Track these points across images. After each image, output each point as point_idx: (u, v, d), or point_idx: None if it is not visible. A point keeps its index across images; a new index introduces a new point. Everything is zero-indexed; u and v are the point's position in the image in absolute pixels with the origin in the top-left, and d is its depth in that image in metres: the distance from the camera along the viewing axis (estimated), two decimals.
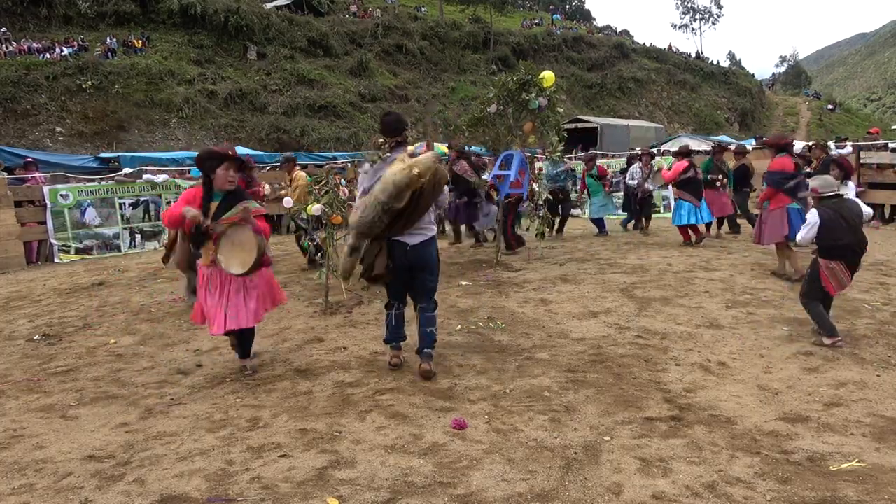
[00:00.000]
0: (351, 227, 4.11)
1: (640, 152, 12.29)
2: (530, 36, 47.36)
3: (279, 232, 13.09)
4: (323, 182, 6.28)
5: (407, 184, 3.79)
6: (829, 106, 63.57)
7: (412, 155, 4.11)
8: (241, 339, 4.56)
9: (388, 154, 4.22)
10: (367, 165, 4.35)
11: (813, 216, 4.96)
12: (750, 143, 18.56)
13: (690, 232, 9.51)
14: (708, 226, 10.04)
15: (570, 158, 13.58)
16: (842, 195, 5.14)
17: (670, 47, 60.61)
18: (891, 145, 13.07)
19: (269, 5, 36.42)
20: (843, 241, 4.84)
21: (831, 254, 4.87)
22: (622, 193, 12.24)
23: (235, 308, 4.25)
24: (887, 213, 12.04)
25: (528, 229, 9.51)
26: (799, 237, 5.14)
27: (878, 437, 3.32)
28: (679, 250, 9.06)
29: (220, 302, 4.25)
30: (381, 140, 4.31)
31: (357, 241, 4.04)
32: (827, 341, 4.77)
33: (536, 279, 7.45)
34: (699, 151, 16.40)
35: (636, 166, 11.31)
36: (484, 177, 9.18)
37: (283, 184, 9.20)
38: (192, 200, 4.23)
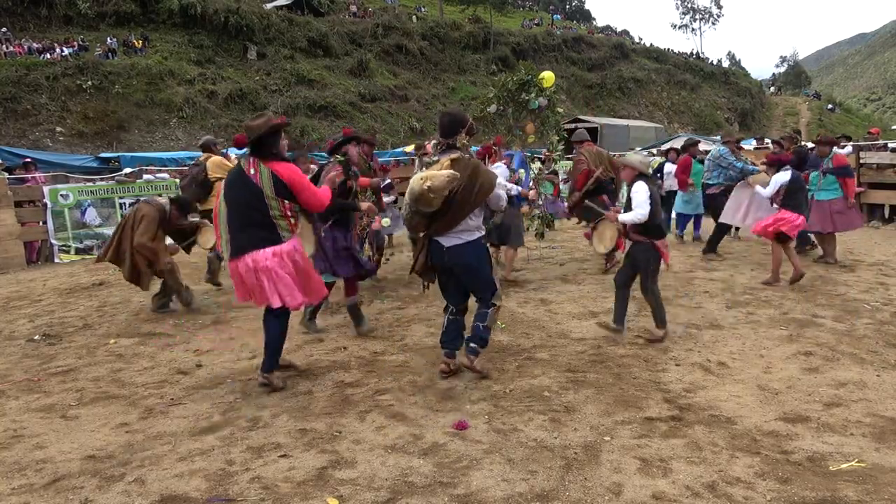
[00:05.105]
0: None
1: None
2: (530, 36, 47.38)
3: None
4: None
5: (420, 194, 3.86)
6: (829, 106, 63.65)
7: (456, 159, 4.08)
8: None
9: (437, 157, 4.23)
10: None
11: (645, 190, 4.78)
12: (750, 144, 18.55)
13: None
14: None
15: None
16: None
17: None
18: (891, 145, 13.04)
19: (269, 5, 36.43)
20: (661, 218, 5.00)
21: (658, 232, 4.90)
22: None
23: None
24: (887, 213, 12.03)
25: (528, 229, 9.47)
26: (638, 216, 4.83)
27: (878, 437, 3.32)
28: (679, 250, 9.07)
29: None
30: (436, 141, 4.40)
31: (412, 233, 4.35)
32: (659, 333, 4.93)
33: (536, 279, 7.45)
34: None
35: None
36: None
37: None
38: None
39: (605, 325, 5.15)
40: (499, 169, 6.97)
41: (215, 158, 7.60)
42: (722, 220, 8.22)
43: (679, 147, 11.60)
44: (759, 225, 6.87)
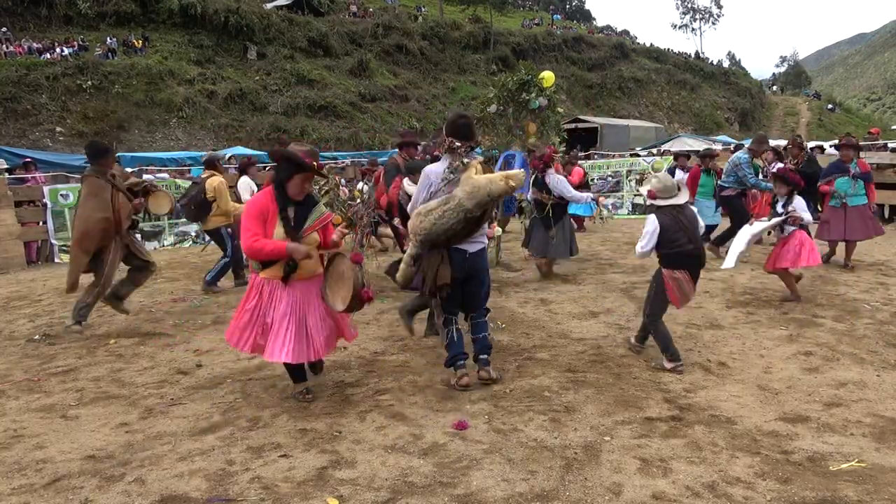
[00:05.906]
0: (417, 234, 3.90)
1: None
2: (530, 36, 47.40)
3: None
4: (324, 182, 6.27)
5: (500, 195, 3.84)
6: (829, 106, 63.66)
7: (486, 163, 4.15)
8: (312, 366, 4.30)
9: (466, 160, 4.02)
10: (436, 167, 4.08)
11: (651, 223, 4.45)
12: (746, 143, 18.54)
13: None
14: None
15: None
16: (681, 205, 4.50)
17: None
18: (891, 145, 13.06)
19: (269, 5, 36.44)
20: (685, 248, 4.39)
21: (674, 262, 4.45)
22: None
23: (316, 333, 3.82)
24: (887, 213, 12.04)
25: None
26: (638, 248, 4.55)
27: (878, 437, 3.32)
28: None
29: (291, 326, 3.73)
30: (457, 143, 4.01)
31: (420, 249, 3.97)
32: (668, 365, 4.38)
33: (536, 279, 7.45)
34: (697, 151, 16.41)
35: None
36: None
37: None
38: (264, 215, 3.63)
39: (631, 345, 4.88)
40: (558, 177, 7.24)
41: (214, 180, 7.34)
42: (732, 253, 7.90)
43: (687, 154, 11.68)
44: (779, 262, 6.08)
